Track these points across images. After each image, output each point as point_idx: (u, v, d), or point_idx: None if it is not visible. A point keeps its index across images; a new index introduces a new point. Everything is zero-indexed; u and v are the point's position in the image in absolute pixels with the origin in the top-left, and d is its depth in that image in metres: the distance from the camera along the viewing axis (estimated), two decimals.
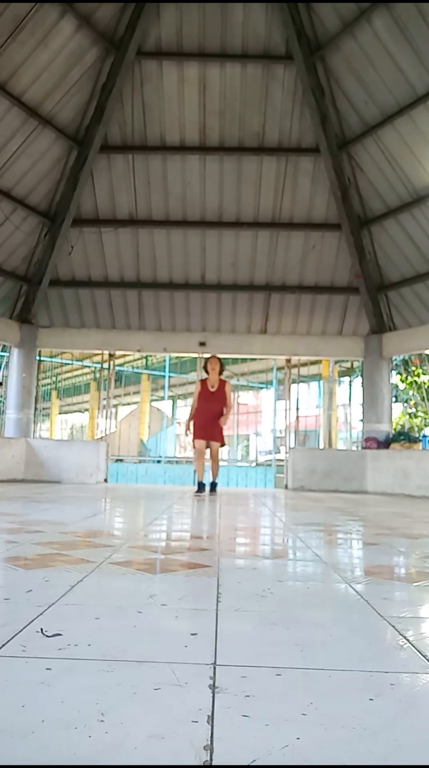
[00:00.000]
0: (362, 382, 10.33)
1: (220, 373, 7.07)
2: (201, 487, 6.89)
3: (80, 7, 7.61)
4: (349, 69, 8.20)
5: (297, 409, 11.74)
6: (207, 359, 7.18)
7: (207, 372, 7.07)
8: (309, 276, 9.82)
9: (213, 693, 0.99)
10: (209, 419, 6.89)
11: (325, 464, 9.26)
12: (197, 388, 7.13)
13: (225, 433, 7.34)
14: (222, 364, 7.13)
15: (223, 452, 17.74)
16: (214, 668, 1.10)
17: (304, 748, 0.81)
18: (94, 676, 1.05)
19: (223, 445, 7.15)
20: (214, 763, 0.76)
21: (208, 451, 7.11)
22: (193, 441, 7.07)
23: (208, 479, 7.13)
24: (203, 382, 7.10)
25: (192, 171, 9.31)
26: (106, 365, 10.85)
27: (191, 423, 7.04)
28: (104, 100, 8.63)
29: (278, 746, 0.81)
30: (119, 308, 10.03)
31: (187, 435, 7.26)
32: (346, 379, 15.73)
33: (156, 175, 9.35)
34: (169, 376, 17.01)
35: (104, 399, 10.75)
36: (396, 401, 14.01)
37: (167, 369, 16.81)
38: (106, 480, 9.47)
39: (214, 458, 7.02)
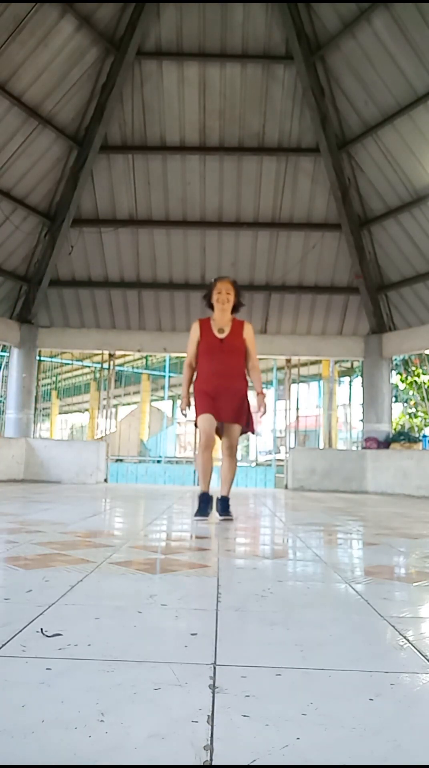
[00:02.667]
0: (362, 382, 10.33)
1: (236, 309, 4.19)
2: (204, 502, 3.94)
3: (80, 7, 7.61)
4: (349, 69, 8.20)
5: (297, 409, 11.75)
6: (214, 282, 4.17)
7: (211, 307, 4.16)
8: (309, 276, 9.83)
9: (213, 693, 0.99)
10: (223, 384, 4.00)
11: (325, 464, 9.26)
12: (193, 334, 4.15)
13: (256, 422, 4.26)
14: (239, 293, 4.17)
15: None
16: (214, 668, 1.10)
17: (304, 748, 0.81)
18: (94, 676, 1.04)
19: (250, 430, 4.18)
20: (214, 763, 0.76)
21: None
22: (195, 418, 4.07)
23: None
24: (204, 323, 4.14)
25: (192, 171, 9.32)
26: (106, 365, 10.86)
27: (190, 391, 4.14)
28: (104, 100, 8.63)
29: (278, 746, 0.81)
30: (119, 308, 10.03)
31: (183, 413, 4.16)
32: (346, 379, 15.72)
33: (156, 175, 9.35)
34: (169, 376, 17.00)
35: (104, 399, 10.76)
36: (396, 401, 14.02)
37: (167, 369, 16.81)
38: (106, 480, 9.47)
39: (230, 453, 4.07)
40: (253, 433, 4.23)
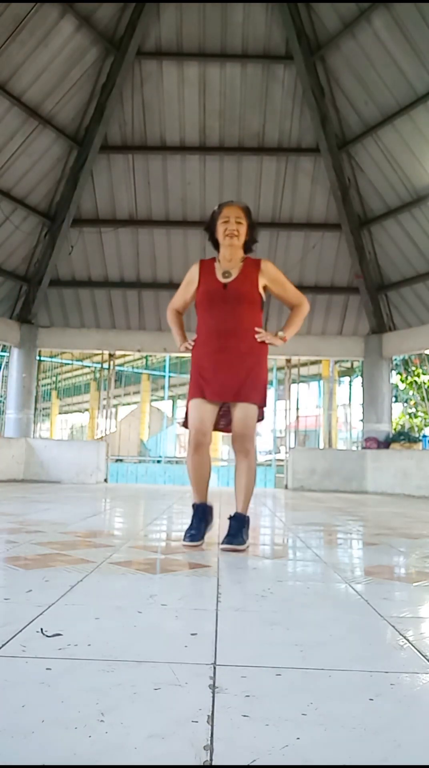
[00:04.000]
0: (362, 382, 10.33)
1: (249, 245, 3.01)
2: (198, 518, 2.83)
3: (80, 7, 7.61)
4: (349, 69, 8.20)
5: (297, 409, 11.75)
6: (219, 208, 3.02)
7: (215, 245, 3.01)
8: (309, 276, 9.82)
9: (213, 693, 0.99)
10: (225, 345, 2.83)
11: (325, 464, 9.26)
12: (190, 275, 3.10)
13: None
14: (252, 223, 3.02)
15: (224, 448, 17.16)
16: (214, 668, 1.10)
17: (304, 748, 0.81)
18: (94, 676, 1.04)
19: (261, 416, 2.93)
20: (214, 763, 0.76)
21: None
22: (186, 404, 2.96)
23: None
24: (206, 265, 3.02)
25: (192, 171, 9.31)
26: (106, 365, 10.85)
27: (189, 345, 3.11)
28: (104, 100, 8.63)
29: (278, 746, 0.81)
30: (119, 308, 10.03)
31: (185, 347, 3.14)
32: (346, 379, 15.73)
33: (156, 175, 9.35)
34: (169, 376, 17.01)
35: (104, 399, 10.76)
36: (396, 401, 14.02)
37: (167, 369, 16.82)
38: (106, 480, 9.46)
39: (241, 449, 2.84)
40: (261, 417, 2.93)
